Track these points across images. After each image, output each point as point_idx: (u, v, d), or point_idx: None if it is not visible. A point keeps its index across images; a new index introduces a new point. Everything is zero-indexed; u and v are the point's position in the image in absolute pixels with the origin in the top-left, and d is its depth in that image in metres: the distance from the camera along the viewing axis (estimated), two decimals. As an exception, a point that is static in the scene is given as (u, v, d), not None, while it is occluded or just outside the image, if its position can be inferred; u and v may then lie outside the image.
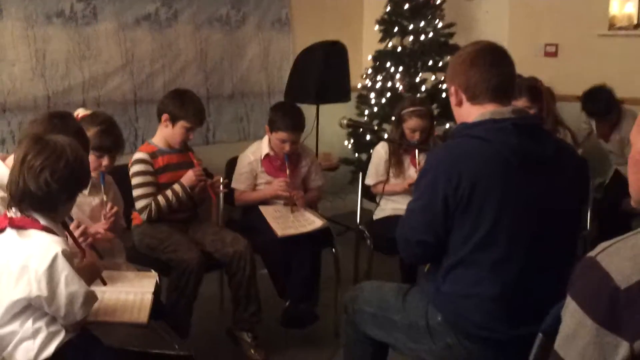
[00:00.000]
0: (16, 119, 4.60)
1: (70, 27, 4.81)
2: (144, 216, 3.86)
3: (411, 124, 4.30)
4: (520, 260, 2.40)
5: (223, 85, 5.78)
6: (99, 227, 3.22)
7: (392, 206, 4.38)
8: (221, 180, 4.09)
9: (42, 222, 2.40)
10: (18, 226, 2.39)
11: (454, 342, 2.49)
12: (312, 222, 4.17)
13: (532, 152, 2.40)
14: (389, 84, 5.97)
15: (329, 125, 5.59)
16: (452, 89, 2.56)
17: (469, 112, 2.52)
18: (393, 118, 4.59)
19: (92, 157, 3.17)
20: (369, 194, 4.58)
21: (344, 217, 5.60)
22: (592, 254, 1.52)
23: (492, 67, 2.48)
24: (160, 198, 3.85)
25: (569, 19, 5.68)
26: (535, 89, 4.29)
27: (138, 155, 3.92)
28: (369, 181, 4.51)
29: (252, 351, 3.91)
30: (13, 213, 2.41)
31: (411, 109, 4.32)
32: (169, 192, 3.86)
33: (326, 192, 4.89)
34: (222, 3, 5.69)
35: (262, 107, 5.87)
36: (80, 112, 3.38)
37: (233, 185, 4.36)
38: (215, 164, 4.53)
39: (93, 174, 3.12)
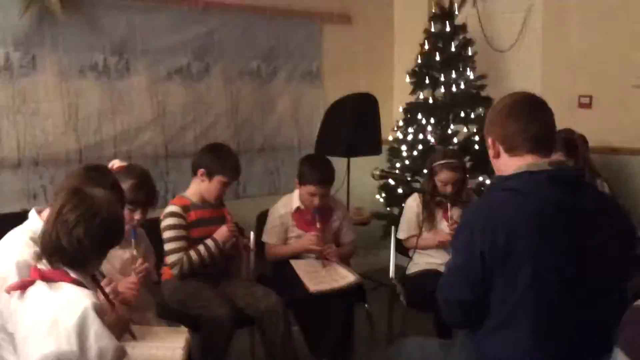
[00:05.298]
0: (48, 173, 4.61)
1: (103, 81, 4.84)
2: (175, 271, 3.81)
3: (443, 176, 4.24)
4: (562, 317, 2.30)
5: (253, 138, 5.77)
6: (129, 281, 3.18)
7: (425, 260, 4.31)
8: (251, 238, 4.05)
9: (72, 274, 2.37)
10: (48, 278, 2.36)
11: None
12: (344, 277, 4.10)
13: (571, 205, 2.32)
14: (421, 136, 5.92)
15: (360, 178, 5.54)
16: (490, 141, 2.51)
17: (506, 164, 2.46)
18: (425, 171, 4.54)
19: (125, 211, 3.13)
20: (402, 248, 4.51)
21: (376, 273, 5.50)
22: None
23: (530, 118, 2.42)
24: (192, 253, 3.81)
25: (603, 70, 5.60)
26: (571, 142, 4.23)
27: (170, 208, 3.89)
28: (401, 235, 4.45)
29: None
30: (43, 265, 2.38)
31: (443, 161, 4.26)
32: (201, 247, 3.82)
33: (358, 248, 4.80)
34: (253, 56, 5.70)
35: (293, 160, 5.80)
36: (115, 164, 3.36)
37: (264, 239, 4.31)
38: (245, 218, 4.48)
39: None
